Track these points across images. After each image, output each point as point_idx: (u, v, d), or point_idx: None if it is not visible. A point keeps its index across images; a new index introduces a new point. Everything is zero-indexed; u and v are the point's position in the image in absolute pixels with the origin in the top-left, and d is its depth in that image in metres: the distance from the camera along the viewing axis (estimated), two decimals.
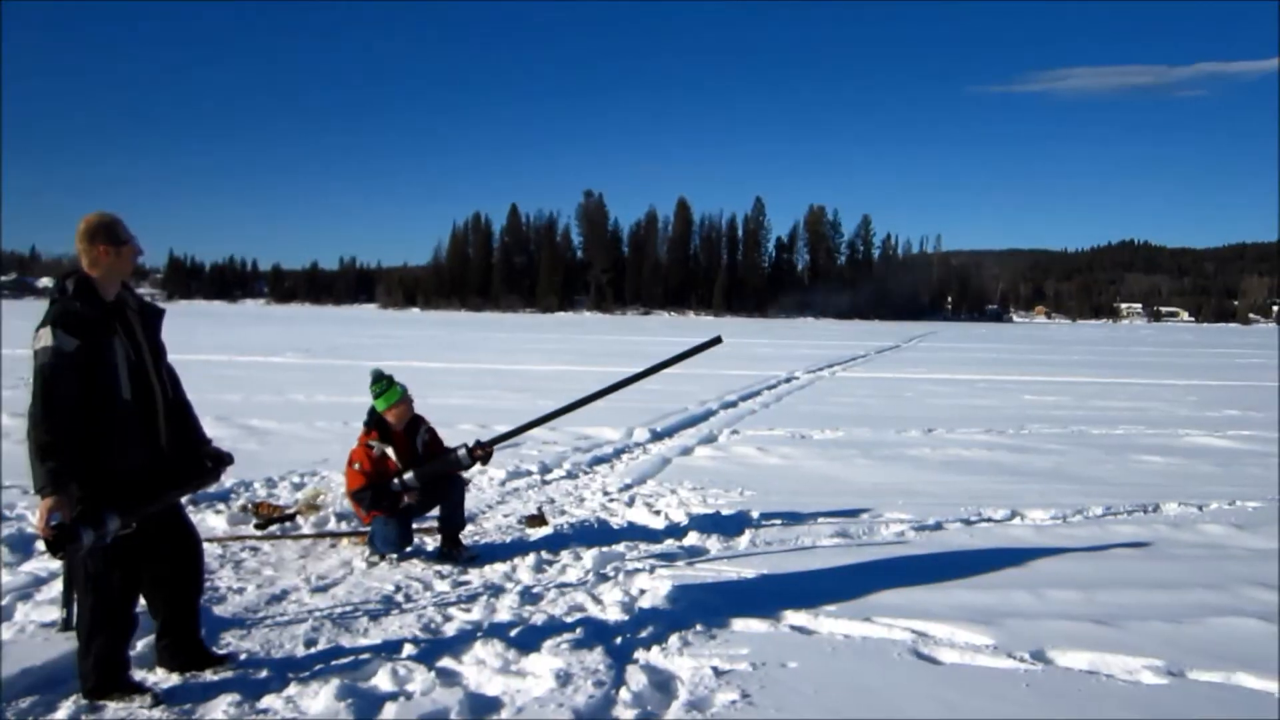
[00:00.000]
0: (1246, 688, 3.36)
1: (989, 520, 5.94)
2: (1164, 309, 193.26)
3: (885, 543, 5.36)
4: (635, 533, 5.50)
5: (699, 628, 3.83)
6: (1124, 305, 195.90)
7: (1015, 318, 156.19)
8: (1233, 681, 3.40)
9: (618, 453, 8.37)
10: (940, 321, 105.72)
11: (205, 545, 3.74)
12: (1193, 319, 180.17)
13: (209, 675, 3.36)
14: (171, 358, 3.45)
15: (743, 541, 5.30)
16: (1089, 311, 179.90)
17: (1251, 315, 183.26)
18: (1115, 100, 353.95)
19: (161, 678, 3.35)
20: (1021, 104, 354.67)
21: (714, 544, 5.22)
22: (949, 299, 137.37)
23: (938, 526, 5.73)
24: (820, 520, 5.81)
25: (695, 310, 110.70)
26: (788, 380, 17.08)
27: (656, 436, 9.30)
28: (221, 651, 3.55)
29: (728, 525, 5.64)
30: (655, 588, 4.36)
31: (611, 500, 6.46)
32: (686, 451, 8.54)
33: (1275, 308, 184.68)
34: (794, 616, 3.98)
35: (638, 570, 4.65)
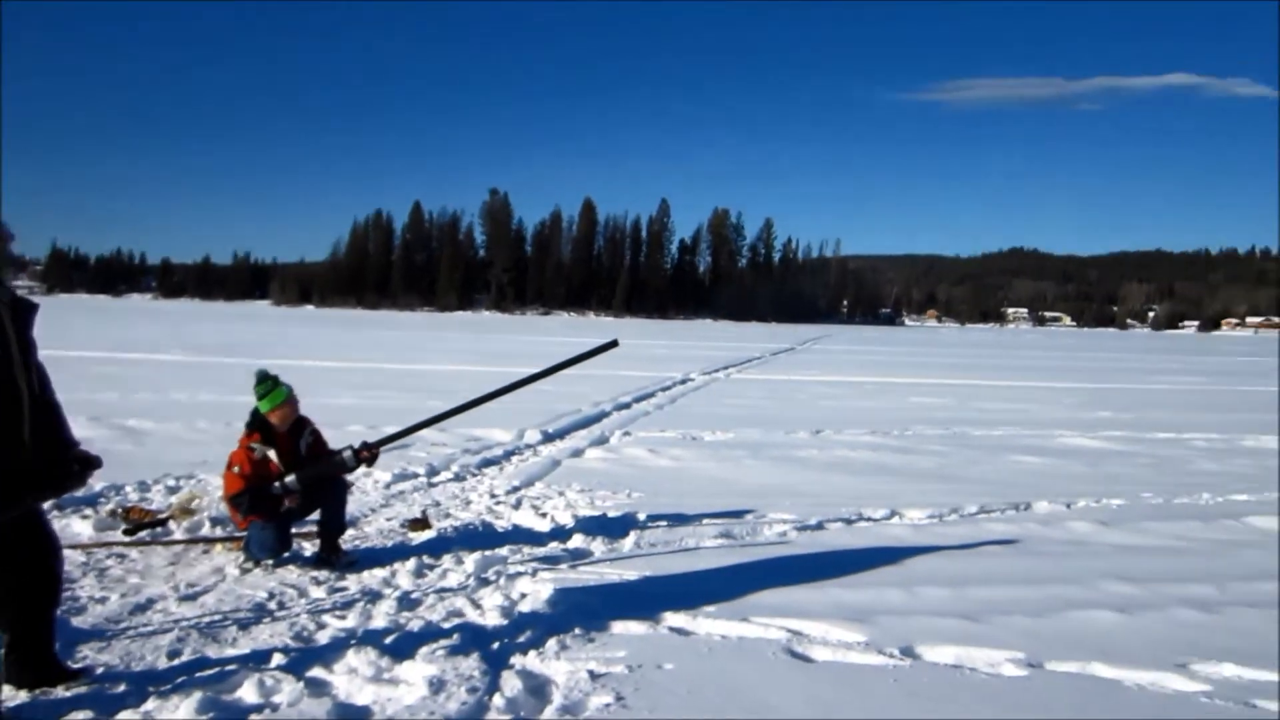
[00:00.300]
0: (1100, 676, 3.51)
1: (869, 520, 6.08)
2: (1048, 314, 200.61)
3: (767, 543, 5.43)
4: (520, 536, 5.47)
5: (577, 631, 3.83)
6: (1011, 310, 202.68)
7: (908, 321, 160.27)
8: (1088, 671, 3.55)
9: (508, 455, 8.32)
10: (836, 324, 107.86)
11: (67, 553, 3.59)
12: (1074, 324, 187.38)
13: (61, 691, 3.19)
14: (45, 354, 3.29)
15: (627, 543, 5.32)
16: (978, 316, 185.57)
17: (1129, 320, 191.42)
18: (1015, 111, 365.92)
19: (9, 695, 3.18)
20: (925, 112, 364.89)
21: (598, 546, 5.22)
22: (845, 302, 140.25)
23: (819, 526, 5.84)
24: (705, 521, 5.87)
25: (596, 311, 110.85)
26: (683, 382, 17.21)
27: (548, 438, 9.28)
28: (77, 665, 3.38)
29: (613, 527, 5.65)
30: (536, 591, 4.34)
31: (498, 503, 6.41)
32: (577, 453, 8.54)
33: (1151, 313, 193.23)
34: (673, 618, 4.00)
35: (519, 574, 4.63)
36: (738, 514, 6.08)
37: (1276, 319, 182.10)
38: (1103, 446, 9.97)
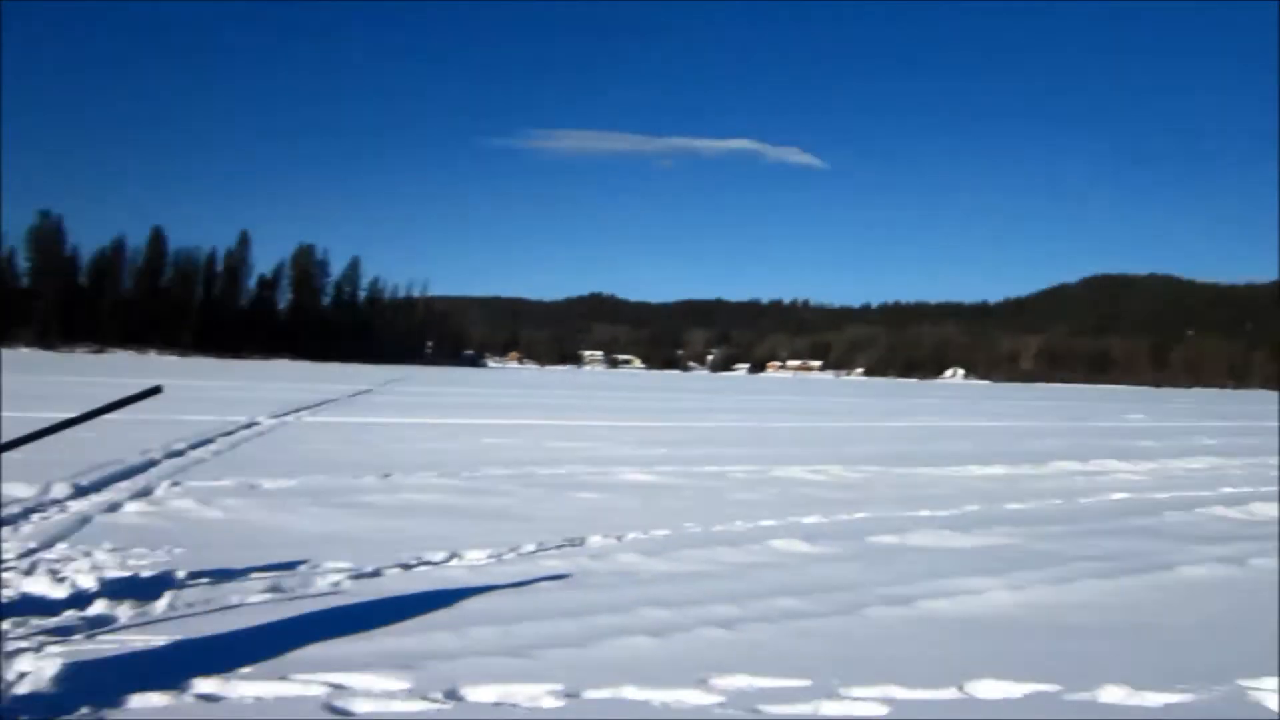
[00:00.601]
0: (629, 699, 3.71)
1: (428, 563, 6.05)
2: (621, 356, 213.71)
3: (319, 594, 5.22)
4: (28, 606, 4.81)
5: (85, 711, 3.42)
6: (588, 352, 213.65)
7: (490, 363, 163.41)
8: (619, 695, 3.74)
9: (27, 513, 7.33)
10: (419, 366, 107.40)
11: None
12: (644, 365, 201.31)
13: None
14: None
15: (160, 606, 4.86)
16: (558, 358, 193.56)
17: (691, 363, 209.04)
18: (599, 163, 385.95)
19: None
20: (516, 159, 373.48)
21: (125, 611, 4.73)
22: (429, 343, 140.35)
23: (376, 573, 5.71)
24: (254, 575, 5.52)
25: (161, 349, 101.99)
26: (249, 425, 16.24)
27: (81, 492, 8.31)
28: None
29: (145, 589, 5.15)
30: (40, 669, 3.83)
31: (6, 569, 5.62)
32: (114, 508, 7.72)
33: (710, 356, 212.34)
34: (203, 684, 3.70)
35: (22, 650, 4.07)
36: (290, 565, 5.80)
37: (812, 362, 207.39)
38: (656, 481, 10.70)
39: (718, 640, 4.52)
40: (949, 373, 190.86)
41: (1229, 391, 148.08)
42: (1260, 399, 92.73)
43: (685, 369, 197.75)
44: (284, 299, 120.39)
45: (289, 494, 8.85)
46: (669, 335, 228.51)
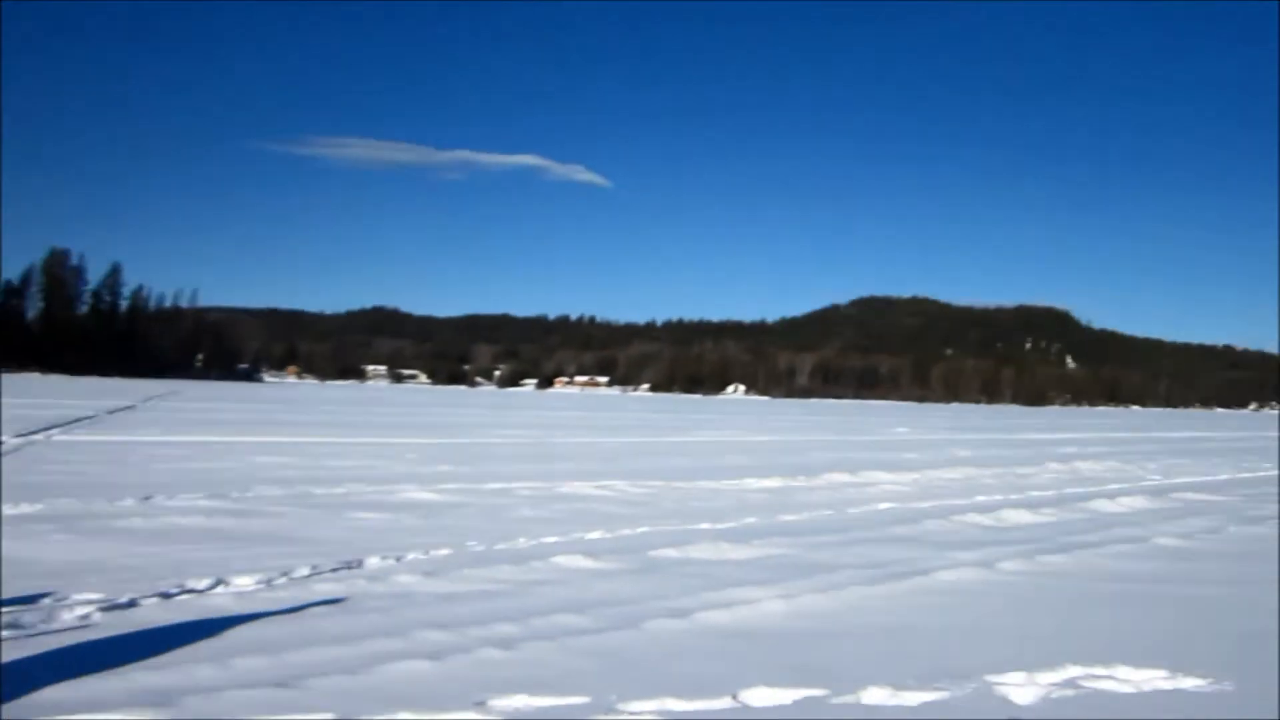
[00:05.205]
0: None
1: (191, 591, 5.69)
2: (406, 371, 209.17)
3: (65, 629, 4.81)
4: None
5: None
6: (371, 367, 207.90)
7: (267, 377, 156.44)
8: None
9: None
10: (188, 380, 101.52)
11: None
12: (430, 381, 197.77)
13: None
14: None
15: None
16: (338, 372, 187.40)
17: (478, 378, 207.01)
18: (384, 174, 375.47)
19: None
20: (298, 166, 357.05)
21: None
22: (200, 356, 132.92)
23: (131, 604, 5.32)
24: None
25: None
26: None
27: None
28: None
29: None
30: None
31: None
32: None
33: (497, 372, 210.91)
34: None
35: None
36: (32, 599, 5.32)
37: (599, 378, 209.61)
38: (439, 499, 10.50)
39: (497, 661, 4.47)
40: (731, 388, 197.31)
41: (982, 406, 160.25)
42: (1009, 413, 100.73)
43: (472, 384, 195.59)
44: (34, 308, 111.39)
45: (33, 520, 8.13)
46: (455, 350, 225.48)
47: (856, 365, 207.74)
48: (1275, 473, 19.10)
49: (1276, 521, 10.68)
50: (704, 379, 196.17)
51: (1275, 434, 47.90)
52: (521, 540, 7.95)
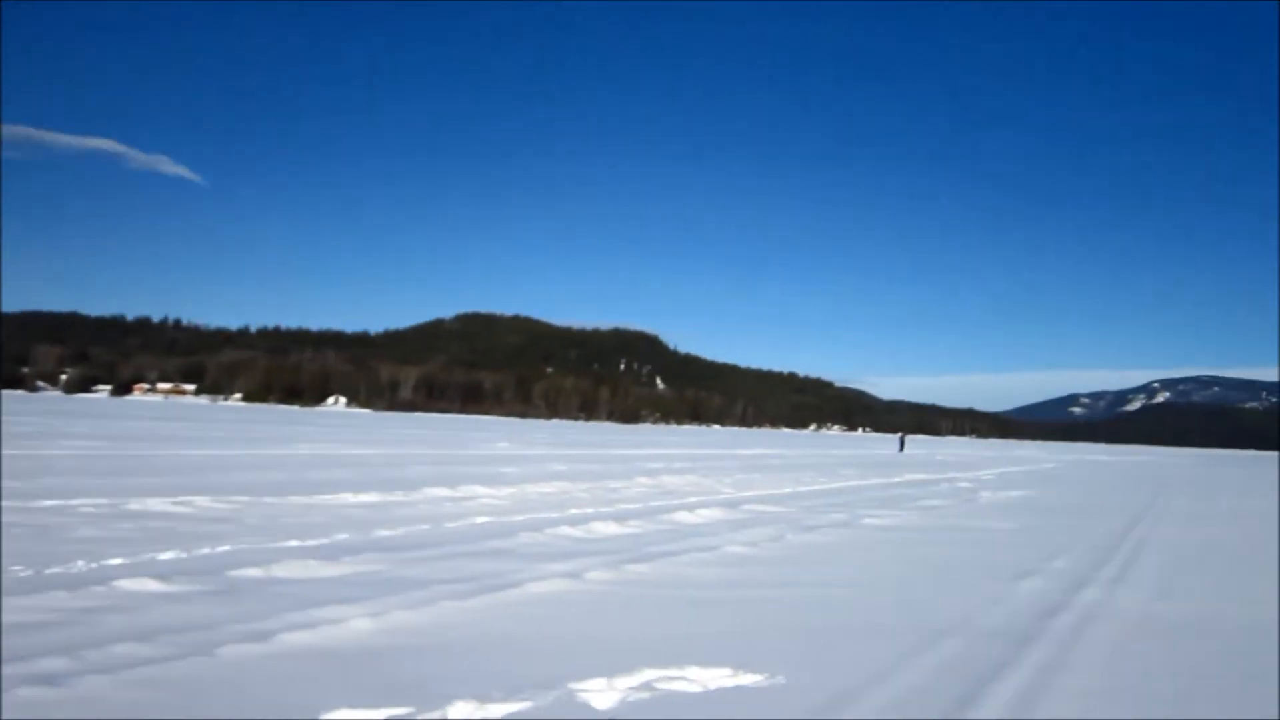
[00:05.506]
0: None
1: None
2: None
3: None
4: None
5: None
6: None
7: None
8: None
9: None
10: None
11: None
12: None
13: None
14: None
15: None
16: None
17: (40, 382, 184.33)
18: None
19: None
20: None
21: None
22: None
23: None
24: None
25: None
26: None
27: None
28: None
29: None
30: None
31: None
32: None
33: (64, 376, 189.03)
34: None
35: None
36: None
37: (186, 385, 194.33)
38: None
39: (39, 701, 3.96)
40: (331, 400, 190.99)
41: (580, 423, 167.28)
42: (605, 429, 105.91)
43: (32, 389, 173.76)
44: None
45: None
46: (11, 350, 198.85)
47: (461, 380, 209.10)
48: (829, 486, 21.62)
49: (829, 529, 12.09)
50: (303, 390, 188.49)
51: (834, 451, 54.34)
52: (80, 563, 7.14)
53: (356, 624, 5.62)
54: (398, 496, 13.55)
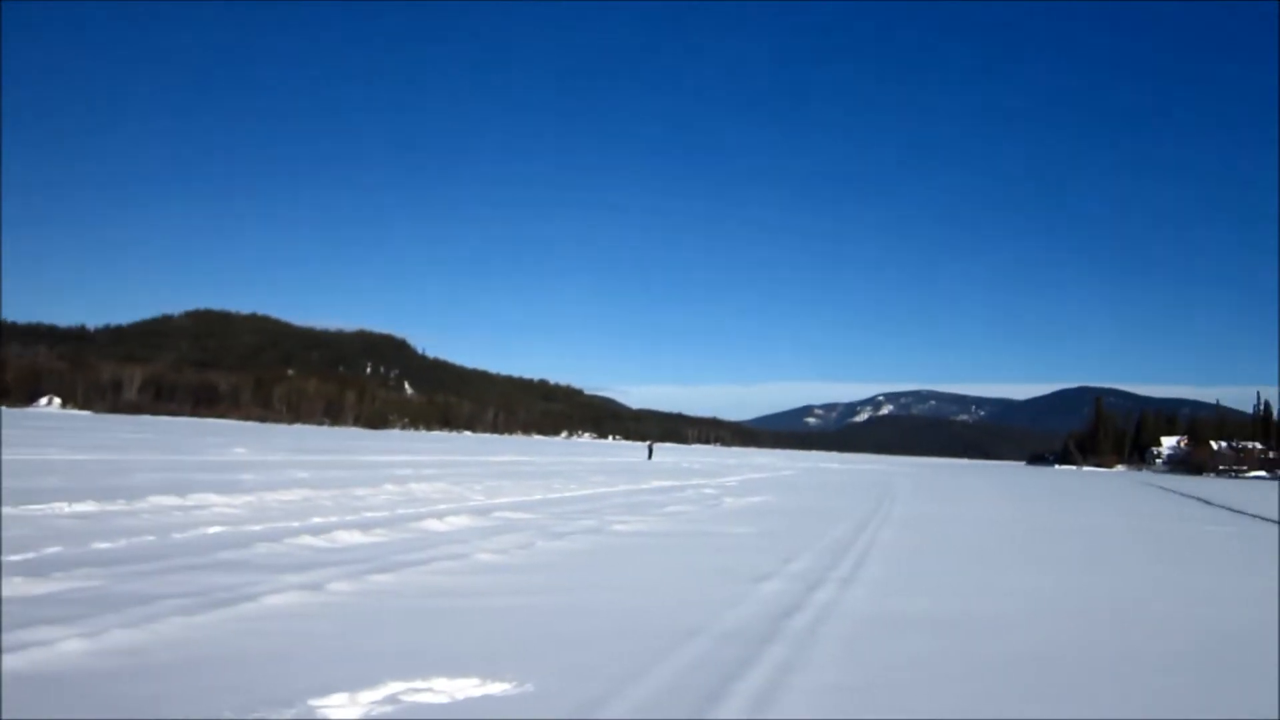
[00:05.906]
0: None
1: None
2: None
3: None
4: None
5: None
6: None
7: None
8: None
9: None
10: None
11: None
12: None
13: None
14: None
15: None
16: None
17: None
18: None
19: None
20: None
21: None
22: None
23: None
24: None
25: None
26: None
27: None
28: None
29: None
30: None
31: None
32: None
33: None
34: None
35: None
36: None
37: None
38: None
39: None
40: (44, 401, 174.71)
41: (325, 428, 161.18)
42: (351, 435, 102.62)
43: None
44: None
45: None
46: None
47: (193, 381, 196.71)
48: (579, 492, 21.84)
49: (578, 535, 12.19)
50: (9, 389, 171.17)
51: (585, 458, 54.99)
52: None
53: (68, 645, 5.12)
54: (119, 505, 12.52)
